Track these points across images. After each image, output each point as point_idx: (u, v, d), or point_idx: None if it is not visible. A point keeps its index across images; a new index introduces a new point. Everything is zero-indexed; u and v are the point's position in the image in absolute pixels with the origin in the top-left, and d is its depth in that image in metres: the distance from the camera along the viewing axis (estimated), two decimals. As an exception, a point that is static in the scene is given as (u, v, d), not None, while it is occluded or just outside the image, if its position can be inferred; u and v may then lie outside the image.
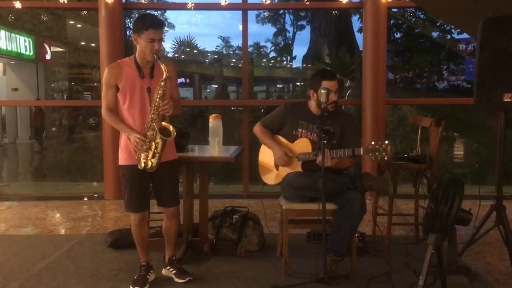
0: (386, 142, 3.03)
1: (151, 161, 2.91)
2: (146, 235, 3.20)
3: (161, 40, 2.93)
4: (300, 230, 3.92)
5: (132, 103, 2.97)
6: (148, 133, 2.90)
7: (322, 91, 3.09)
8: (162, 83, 2.89)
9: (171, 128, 2.91)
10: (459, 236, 3.35)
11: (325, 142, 3.00)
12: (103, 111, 3.03)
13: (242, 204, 4.43)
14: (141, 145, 2.88)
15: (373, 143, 3.06)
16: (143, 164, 2.92)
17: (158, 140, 2.89)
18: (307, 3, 6.05)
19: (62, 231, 4.51)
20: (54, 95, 18.28)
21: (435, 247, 2.54)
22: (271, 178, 3.46)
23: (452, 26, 20.33)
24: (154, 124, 2.89)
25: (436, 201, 2.84)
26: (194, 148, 3.79)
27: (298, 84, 30.34)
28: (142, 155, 2.91)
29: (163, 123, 2.92)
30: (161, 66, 2.89)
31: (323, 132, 3.03)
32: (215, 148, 3.54)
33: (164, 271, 3.26)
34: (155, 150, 2.89)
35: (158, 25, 2.90)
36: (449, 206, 2.71)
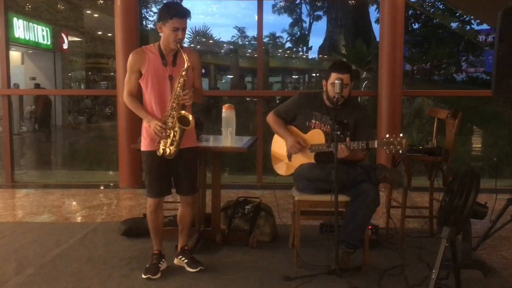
0: (401, 135, 2.98)
1: (169, 149, 2.94)
2: (161, 222, 3.23)
3: (185, 29, 2.94)
4: (313, 221, 3.90)
5: (154, 89, 3.00)
6: (168, 121, 2.94)
7: (334, 82, 3.09)
8: (183, 73, 2.91)
9: (190, 117, 2.93)
10: (474, 229, 3.31)
11: (339, 133, 2.98)
12: (125, 96, 3.06)
13: (255, 194, 4.43)
14: (161, 133, 2.91)
15: (387, 136, 3.01)
16: (161, 151, 2.95)
17: (177, 128, 2.92)
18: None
19: (77, 219, 4.56)
20: (71, 84, 18.44)
21: (449, 241, 2.50)
22: (283, 169, 3.45)
23: (472, 17, 19.98)
24: (174, 112, 2.92)
25: (451, 194, 2.80)
26: (208, 138, 3.80)
27: (313, 75, 30.17)
28: (162, 142, 2.95)
29: (183, 111, 2.93)
30: (183, 55, 2.90)
31: (337, 124, 3.01)
32: (228, 138, 3.53)
33: (176, 260, 3.27)
34: (174, 138, 2.93)
35: (183, 14, 2.92)
36: (464, 199, 2.67)
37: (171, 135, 2.92)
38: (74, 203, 5.18)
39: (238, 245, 3.64)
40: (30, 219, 4.53)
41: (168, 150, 2.95)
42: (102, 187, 5.84)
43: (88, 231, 4.04)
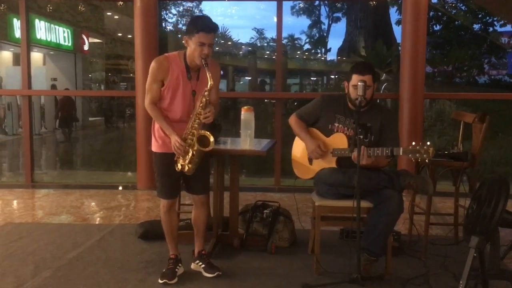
0: (428, 143, 2.86)
1: (188, 166, 2.92)
2: (175, 224, 3.19)
3: (211, 45, 2.87)
4: (331, 226, 3.81)
5: (174, 102, 2.96)
6: (188, 138, 2.89)
7: (355, 84, 3.00)
8: (205, 93, 2.86)
9: (211, 138, 2.87)
10: (500, 237, 3.18)
11: (362, 137, 2.88)
12: (147, 104, 3.01)
13: (274, 197, 4.36)
14: (180, 150, 2.87)
15: (413, 143, 2.90)
16: (180, 167, 2.93)
17: (196, 148, 2.88)
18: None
19: (95, 220, 4.55)
20: (91, 85, 18.62)
21: (477, 251, 2.40)
22: (304, 173, 3.36)
23: (495, 19, 19.62)
24: (195, 131, 2.88)
25: (479, 202, 2.70)
26: (226, 141, 3.74)
27: (332, 77, 30.00)
28: (180, 159, 2.92)
29: (203, 131, 2.88)
30: (207, 74, 2.84)
31: (360, 127, 2.91)
32: (246, 141, 3.47)
33: (193, 265, 3.22)
34: (192, 157, 2.90)
35: (209, 28, 2.85)
36: (493, 208, 2.56)
37: (190, 153, 2.89)
38: (92, 203, 5.18)
39: (256, 250, 3.57)
40: (49, 219, 4.53)
41: (186, 168, 2.92)
42: (120, 188, 5.84)
43: (106, 233, 4.02)
